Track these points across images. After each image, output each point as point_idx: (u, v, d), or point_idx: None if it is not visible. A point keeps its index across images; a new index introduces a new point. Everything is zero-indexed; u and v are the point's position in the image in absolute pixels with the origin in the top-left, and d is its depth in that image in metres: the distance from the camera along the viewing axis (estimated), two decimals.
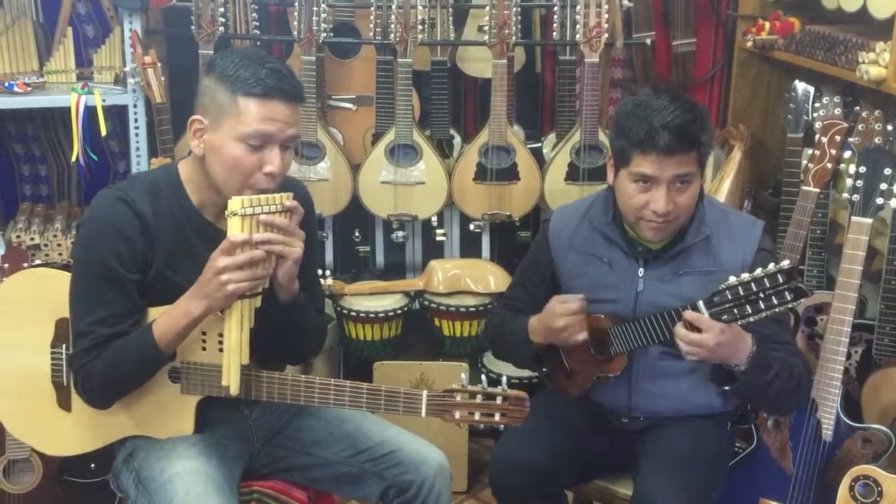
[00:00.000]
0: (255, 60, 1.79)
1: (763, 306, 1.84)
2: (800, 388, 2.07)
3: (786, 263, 1.83)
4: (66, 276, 1.92)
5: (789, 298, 1.82)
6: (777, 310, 1.84)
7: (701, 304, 1.90)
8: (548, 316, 2.07)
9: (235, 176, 1.79)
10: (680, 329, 1.91)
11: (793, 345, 2.13)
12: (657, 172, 1.95)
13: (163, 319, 1.82)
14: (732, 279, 1.87)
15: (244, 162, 1.78)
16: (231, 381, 1.82)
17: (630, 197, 2.01)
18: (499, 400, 1.87)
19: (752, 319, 1.86)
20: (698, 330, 1.89)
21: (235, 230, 1.74)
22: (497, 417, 1.87)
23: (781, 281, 1.82)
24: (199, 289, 1.77)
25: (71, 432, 1.98)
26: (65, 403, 1.98)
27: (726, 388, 2.00)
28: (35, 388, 1.98)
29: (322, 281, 2.92)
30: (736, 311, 1.86)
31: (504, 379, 1.93)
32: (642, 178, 1.97)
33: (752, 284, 1.84)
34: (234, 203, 1.73)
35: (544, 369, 2.22)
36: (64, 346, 1.97)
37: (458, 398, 1.87)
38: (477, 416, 1.87)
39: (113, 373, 1.83)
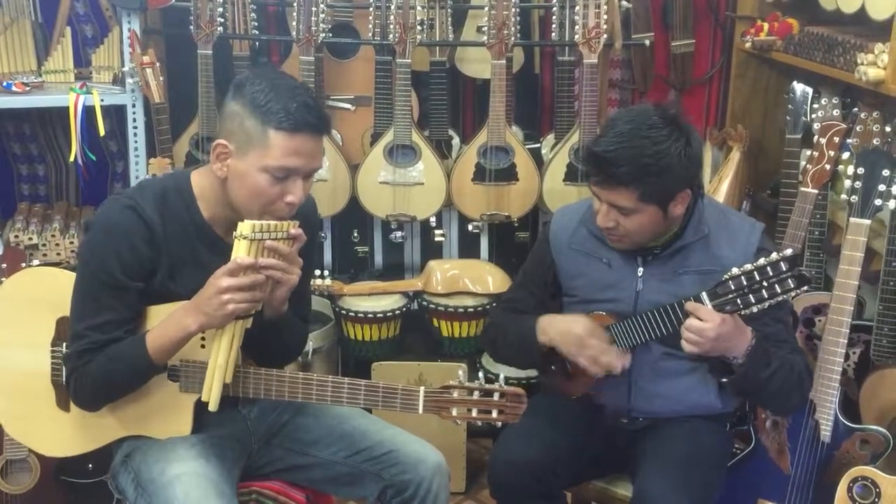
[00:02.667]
0: (285, 91, 1.78)
1: (766, 295, 1.85)
2: (801, 385, 2.07)
3: (789, 251, 1.84)
4: (68, 276, 1.92)
5: (792, 286, 1.83)
6: (780, 298, 1.85)
7: (704, 295, 1.91)
8: (579, 329, 2.08)
9: (257, 203, 1.81)
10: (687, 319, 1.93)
11: (794, 343, 2.13)
12: (598, 193, 2.02)
13: (157, 331, 1.82)
14: (735, 269, 1.88)
15: (267, 192, 1.79)
16: (212, 398, 1.84)
17: (593, 201, 2.07)
18: (496, 396, 1.87)
19: (755, 309, 1.87)
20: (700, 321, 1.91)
21: (242, 253, 1.76)
22: (494, 414, 1.87)
23: (784, 269, 1.82)
24: (198, 305, 1.78)
25: (69, 433, 1.98)
26: (63, 403, 1.97)
27: (724, 380, 2.01)
28: (34, 387, 1.98)
29: (321, 281, 2.94)
30: (739, 300, 1.87)
31: (502, 377, 1.92)
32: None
33: (755, 273, 1.85)
34: (245, 227, 1.75)
35: (552, 367, 2.22)
36: (64, 345, 1.96)
37: (456, 395, 1.88)
38: (474, 413, 1.88)
39: (104, 380, 1.84)
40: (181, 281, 1.87)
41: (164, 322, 1.83)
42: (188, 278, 1.86)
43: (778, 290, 1.84)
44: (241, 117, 1.78)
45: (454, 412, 1.87)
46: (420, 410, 1.88)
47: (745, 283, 1.86)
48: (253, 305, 1.81)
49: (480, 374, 1.90)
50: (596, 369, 2.07)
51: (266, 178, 1.78)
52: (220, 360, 1.82)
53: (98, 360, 1.82)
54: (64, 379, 1.95)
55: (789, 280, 1.83)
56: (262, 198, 1.80)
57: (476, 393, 1.88)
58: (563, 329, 2.10)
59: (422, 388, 1.88)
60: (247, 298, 1.77)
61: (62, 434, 1.98)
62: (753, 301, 1.86)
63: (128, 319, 1.85)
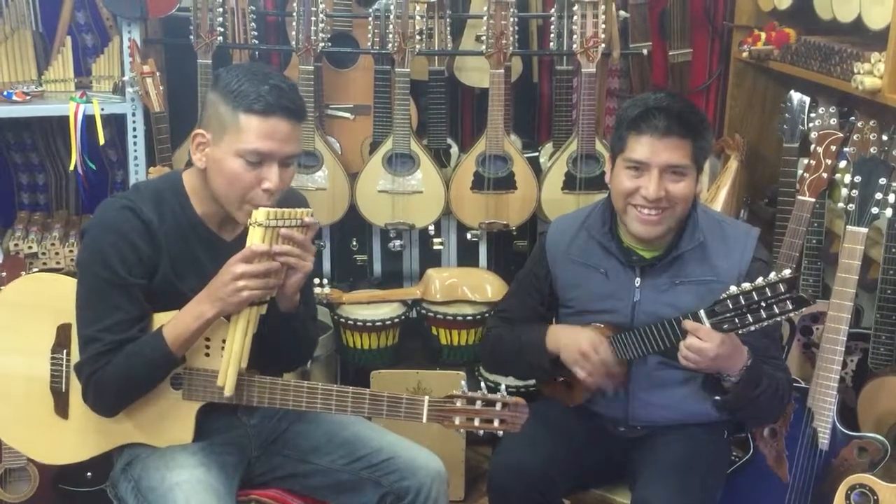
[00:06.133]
0: (258, 76, 1.80)
1: (764, 315, 1.85)
2: (781, 403, 2.10)
3: (787, 272, 1.83)
4: (69, 282, 1.92)
5: (791, 307, 1.83)
6: (777, 319, 1.85)
7: (702, 313, 1.91)
8: (584, 340, 2.08)
9: (234, 191, 1.82)
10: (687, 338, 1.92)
11: (781, 360, 2.16)
12: (649, 156, 1.99)
13: (173, 323, 1.83)
14: (733, 288, 1.87)
15: (243, 177, 1.80)
16: (227, 382, 1.84)
17: (622, 183, 2.04)
18: (498, 406, 1.88)
19: (752, 328, 1.87)
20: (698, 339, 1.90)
21: (257, 240, 1.77)
22: (496, 423, 1.88)
23: (783, 290, 1.82)
24: (213, 292, 1.80)
25: (67, 440, 1.97)
26: (62, 410, 1.97)
27: (717, 398, 2.02)
28: (32, 393, 1.97)
29: (319, 290, 2.94)
30: (737, 319, 1.87)
31: (503, 387, 1.93)
32: (635, 165, 2.01)
33: (754, 293, 1.85)
34: (260, 214, 1.77)
35: (557, 377, 2.22)
36: (65, 351, 1.96)
37: (459, 404, 1.88)
38: (476, 423, 1.88)
39: (125, 379, 1.83)
40: (183, 277, 1.88)
41: (179, 314, 1.83)
42: (189, 275, 1.87)
43: (776, 310, 1.84)
44: (216, 105, 1.81)
45: (457, 421, 1.88)
46: (424, 420, 1.89)
47: (743, 302, 1.86)
48: (267, 291, 1.82)
49: (483, 385, 1.91)
50: (590, 382, 2.08)
51: (240, 163, 1.79)
52: (235, 346, 1.83)
53: (116, 361, 1.82)
54: (65, 385, 1.95)
55: (788, 302, 1.83)
56: (239, 184, 1.80)
57: (478, 402, 1.88)
58: (569, 335, 2.11)
59: (426, 398, 1.89)
60: (261, 285, 1.79)
61: (60, 441, 1.98)
62: (751, 321, 1.86)
63: (138, 317, 1.86)
